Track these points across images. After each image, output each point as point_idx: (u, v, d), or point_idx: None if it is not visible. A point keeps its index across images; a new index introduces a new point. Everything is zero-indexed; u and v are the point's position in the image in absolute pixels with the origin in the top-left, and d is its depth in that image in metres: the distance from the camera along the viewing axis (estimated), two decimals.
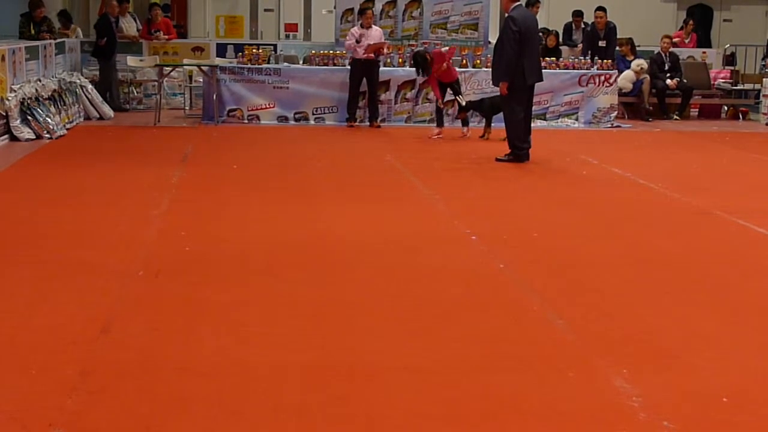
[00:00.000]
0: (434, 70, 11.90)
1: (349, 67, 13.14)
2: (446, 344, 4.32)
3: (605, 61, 14.02)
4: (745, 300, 5.17)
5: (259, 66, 13.30)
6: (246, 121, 13.22)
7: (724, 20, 19.78)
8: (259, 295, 5.05)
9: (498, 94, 12.58)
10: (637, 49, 15.29)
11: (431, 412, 3.57)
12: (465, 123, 12.14)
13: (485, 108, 12.07)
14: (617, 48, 15.13)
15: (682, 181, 9.11)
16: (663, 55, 15.07)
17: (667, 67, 14.94)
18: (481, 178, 9.12)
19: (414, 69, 12.28)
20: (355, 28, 13.24)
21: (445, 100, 12.34)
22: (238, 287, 5.17)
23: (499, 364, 4.12)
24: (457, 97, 12.04)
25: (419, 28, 14.51)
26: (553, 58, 14.06)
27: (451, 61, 12.13)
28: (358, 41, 12.82)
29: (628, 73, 14.60)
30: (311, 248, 6.11)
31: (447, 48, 12.49)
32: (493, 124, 12.01)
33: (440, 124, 12.18)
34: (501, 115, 11.63)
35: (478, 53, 13.78)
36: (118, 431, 3.37)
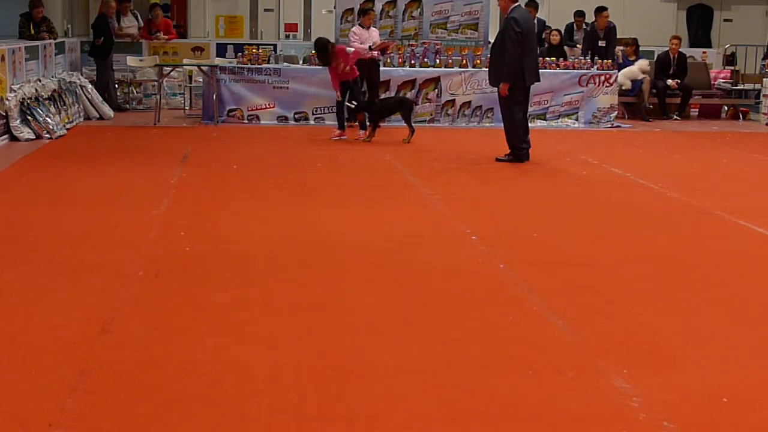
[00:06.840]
0: (335, 66, 11.80)
1: None
2: (446, 344, 4.32)
3: (605, 61, 14.02)
4: (745, 300, 5.17)
5: (259, 66, 13.29)
6: (246, 121, 13.22)
7: (724, 20, 19.74)
8: (259, 295, 5.05)
9: (389, 96, 12.67)
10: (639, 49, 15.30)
11: (431, 412, 3.57)
12: (363, 126, 11.91)
13: (376, 110, 11.89)
14: (622, 48, 15.11)
15: (682, 181, 9.11)
16: (671, 56, 14.99)
17: (672, 70, 14.87)
18: (481, 178, 9.11)
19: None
20: (356, 27, 13.22)
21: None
22: (238, 287, 5.17)
23: (499, 364, 4.12)
24: (349, 102, 11.84)
25: (419, 28, 14.49)
26: (553, 58, 14.05)
27: (352, 63, 11.94)
28: (370, 48, 12.75)
29: (627, 70, 14.58)
30: (311, 248, 6.11)
31: (352, 50, 12.12)
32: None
33: (342, 126, 11.97)
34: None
35: (478, 53, 13.78)
36: (118, 431, 3.38)
